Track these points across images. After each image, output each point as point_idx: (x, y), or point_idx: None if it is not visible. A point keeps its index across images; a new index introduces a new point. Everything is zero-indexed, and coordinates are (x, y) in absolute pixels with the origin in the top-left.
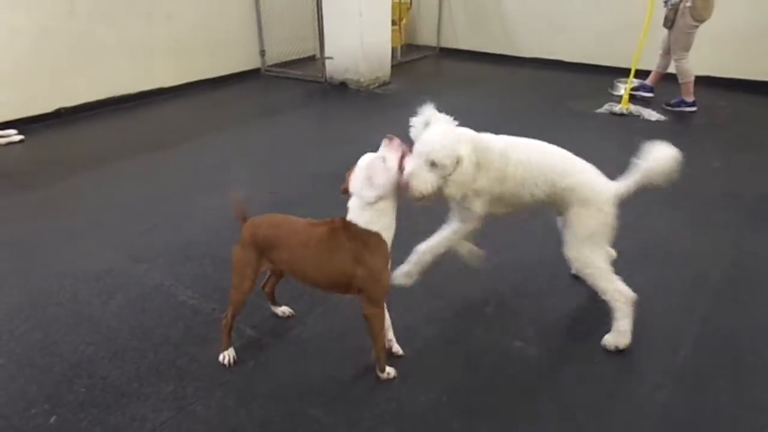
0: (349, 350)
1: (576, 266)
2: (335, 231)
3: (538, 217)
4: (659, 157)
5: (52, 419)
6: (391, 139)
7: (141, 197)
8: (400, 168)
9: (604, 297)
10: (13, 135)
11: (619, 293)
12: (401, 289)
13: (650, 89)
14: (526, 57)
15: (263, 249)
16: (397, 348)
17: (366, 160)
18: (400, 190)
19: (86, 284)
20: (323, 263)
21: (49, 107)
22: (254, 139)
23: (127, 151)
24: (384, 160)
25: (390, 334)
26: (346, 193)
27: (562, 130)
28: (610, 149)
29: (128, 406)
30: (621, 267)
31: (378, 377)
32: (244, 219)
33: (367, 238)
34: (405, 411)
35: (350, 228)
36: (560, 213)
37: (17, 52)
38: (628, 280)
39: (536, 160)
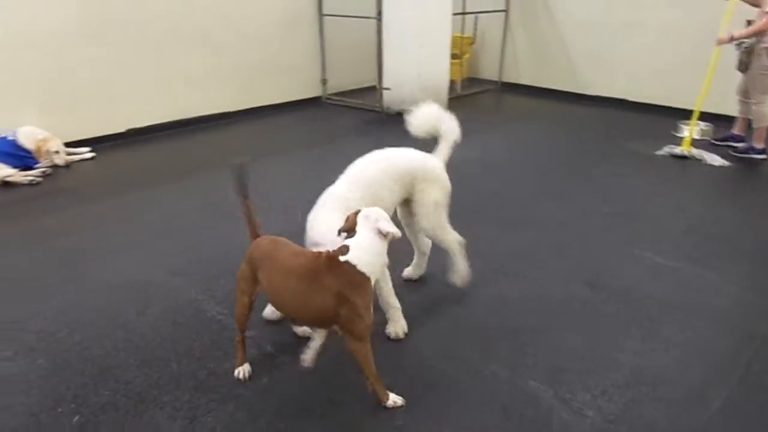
0: (356, 380)
1: (430, 233)
2: (318, 266)
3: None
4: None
5: (75, 419)
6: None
7: (190, 215)
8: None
9: (443, 245)
10: (85, 152)
11: (456, 241)
12: (423, 321)
13: (740, 139)
14: (587, 94)
15: (255, 269)
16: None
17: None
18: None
19: (126, 294)
20: (303, 299)
21: (119, 128)
22: (308, 165)
23: (185, 171)
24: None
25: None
26: (348, 232)
27: (618, 171)
28: (669, 194)
29: (145, 412)
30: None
31: (385, 406)
32: (256, 236)
33: (353, 275)
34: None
35: (337, 264)
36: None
37: (95, 77)
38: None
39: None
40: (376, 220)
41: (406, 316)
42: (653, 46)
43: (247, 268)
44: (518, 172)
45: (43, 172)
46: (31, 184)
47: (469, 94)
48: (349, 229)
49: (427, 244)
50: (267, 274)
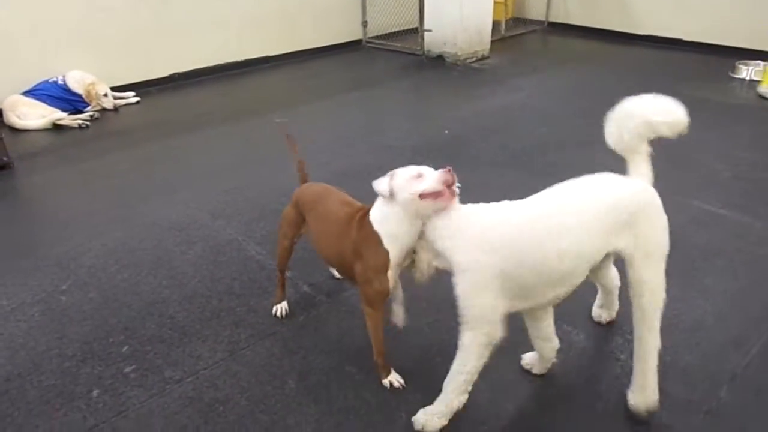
0: None
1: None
2: (352, 217)
3: None
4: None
5: (125, 348)
6: (449, 171)
7: (231, 159)
8: (433, 195)
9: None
10: (131, 97)
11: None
12: None
13: None
14: (640, 34)
15: (302, 212)
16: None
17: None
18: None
19: (171, 234)
20: (333, 244)
21: (164, 72)
22: (346, 109)
23: (227, 116)
24: (420, 175)
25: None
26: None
27: None
28: (719, 140)
29: (189, 344)
30: None
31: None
32: (304, 181)
33: (369, 234)
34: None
35: (363, 218)
36: None
37: (139, 22)
38: None
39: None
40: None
41: None
42: None
43: (293, 211)
44: (564, 118)
45: (92, 115)
46: (80, 127)
47: (513, 36)
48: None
49: (613, 275)
50: (313, 217)
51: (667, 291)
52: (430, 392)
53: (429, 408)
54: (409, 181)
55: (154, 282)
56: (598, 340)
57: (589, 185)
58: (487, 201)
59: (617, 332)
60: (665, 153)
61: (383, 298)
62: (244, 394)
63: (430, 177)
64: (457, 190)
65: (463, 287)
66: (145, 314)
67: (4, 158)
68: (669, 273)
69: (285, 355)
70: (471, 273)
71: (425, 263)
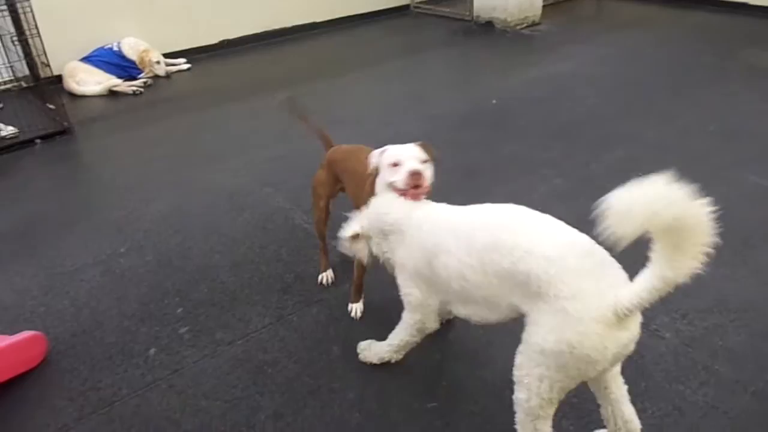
0: None
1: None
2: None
3: None
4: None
5: (179, 310)
6: (415, 175)
7: (279, 126)
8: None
9: None
10: (182, 63)
11: None
12: None
13: None
14: None
15: (336, 172)
16: None
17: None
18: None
19: (221, 201)
20: (363, 198)
21: (213, 39)
22: (392, 77)
23: (275, 83)
24: (396, 165)
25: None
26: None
27: (729, 86)
28: None
29: (238, 308)
30: None
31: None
32: (330, 145)
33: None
34: (479, 359)
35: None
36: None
37: None
38: None
39: None
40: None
41: None
42: None
43: (324, 172)
44: (617, 87)
45: (145, 82)
46: (134, 93)
47: (567, 0)
48: None
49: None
50: (347, 175)
51: (716, 269)
52: (471, 361)
53: (373, 344)
54: (387, 168)
55: (206, 247)
56: None
57: (534, 223)
58: (532, 174)
59: (664, 311)
60: (719, 124)
61: None
62: (291, 357)
63: (402, 171)
64: (425, 190)
65: (400, 279)
66: (198, 278)
67: (65, 123)
68: (720, 250)
69: (330, 323)
70: (404, 269)
71: (374, 251)
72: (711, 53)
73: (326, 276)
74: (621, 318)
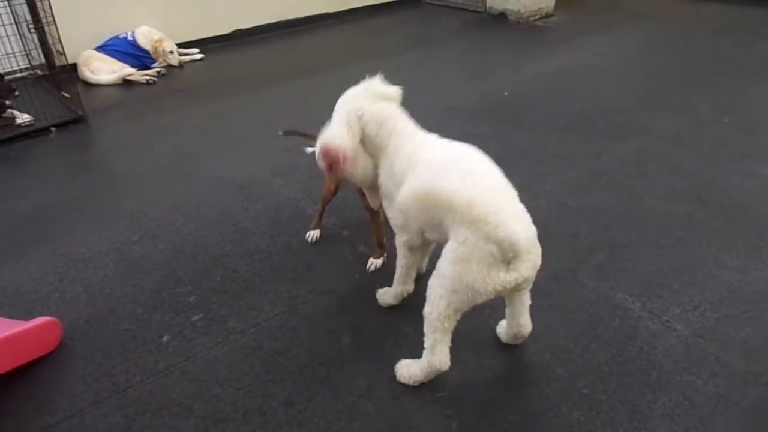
0: None
1: None
2: None
3: None
4: None
5: (192, 298)
6: (323, 159)
7: (292, 117)
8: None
9: None
10: (195, 53)
11: None
12: None
13: None
14: None
15: None
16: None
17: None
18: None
19: (233, 190)
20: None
21: (227, 29)
22: (404, 68)
23: (287, 73)
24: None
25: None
26: None
27: (745, 78)
28: None
29: (250, 297)
30: None
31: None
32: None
33: None
34: (488, 351)
35: None
36: None
37: None
38: None
39: None
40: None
41: None
42: None
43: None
44: (632, 79)
45: (159, 71)
46: (148, 83)
47: None
48: None
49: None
50: None
51: (729, 260)
52: (480, 352)
53: (386, 289)
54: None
55: (218, 236)
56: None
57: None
58: (544, 165)
59: (676, 303)
60: (734, 116)
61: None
62: (302, 346)
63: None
64: (343, 163)
65: (385, 203)
66: (210, 266)
67: (80, 112)
68: (733, 242)
69: (341, 312)
70: (392, 200)
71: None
72: (726, 45)
73: (313, 234)
74: (505, 261)
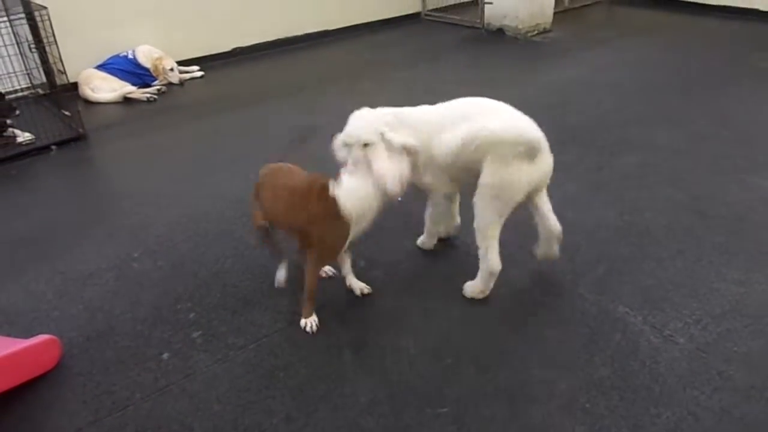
0: (452, 290)
1: None
2: (312, 189)
3: None
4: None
5: (192, 315)
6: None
7: (291, 134)
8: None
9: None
10: (195, 71)
11: None
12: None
13: None
14: (714, 4)
15: (258, 188)
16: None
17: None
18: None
19: (232, 206)
20: (289, 211)
21: (226, 47)
22: (403, 84)
23: (287, 90)
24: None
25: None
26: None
27: (742, 92)
28: None
29: (251, 312)
30: None
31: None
32: None
33: (332, 205)
34: (491, 365)
35: (326, 195)
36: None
37: None
38: None
39: None
40: (378, 171)
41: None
42: None
43: (255, 188)
44: (630, 93)
45: (159, 89)
46: (148, 100)
47: (577, 7)
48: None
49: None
50: (267, 189)
51: (730, 274)
52: (482, 367)
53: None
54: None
55: (218, 252)
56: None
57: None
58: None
59: (677, 316)
60: (732, 130)
61: (331, 261)
62: (302, 362)
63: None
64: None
65: (425, 179)
66: (210, 283)
67: (80, 130)
68: (734, 255)
69: (342, 328)
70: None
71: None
72: (722, 59)
73: (311, 322)
74: (531, 157)
